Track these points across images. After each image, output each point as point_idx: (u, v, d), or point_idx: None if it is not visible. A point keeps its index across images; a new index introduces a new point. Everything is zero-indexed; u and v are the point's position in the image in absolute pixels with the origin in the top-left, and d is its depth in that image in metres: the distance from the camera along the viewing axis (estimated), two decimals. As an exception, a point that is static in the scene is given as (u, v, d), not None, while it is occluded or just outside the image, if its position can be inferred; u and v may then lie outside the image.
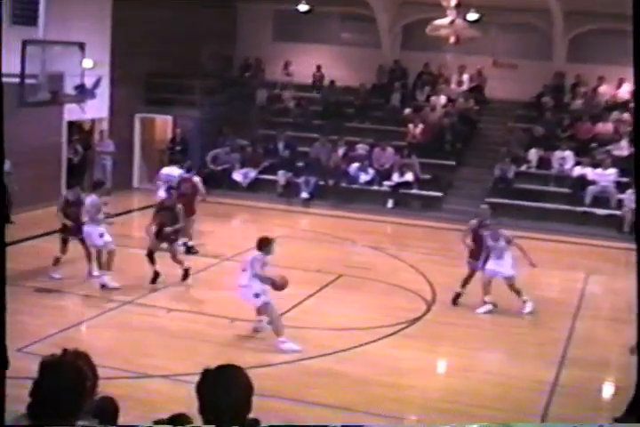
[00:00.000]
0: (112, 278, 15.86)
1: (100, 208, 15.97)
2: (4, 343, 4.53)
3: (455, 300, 15.97)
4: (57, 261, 16.19)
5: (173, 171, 19.95)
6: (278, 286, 13.15)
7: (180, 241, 18.26)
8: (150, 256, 16.21)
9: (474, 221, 16.00)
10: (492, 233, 15.36)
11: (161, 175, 19.79)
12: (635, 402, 9.99)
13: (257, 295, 13.18)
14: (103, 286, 15.72)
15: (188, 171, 19.76)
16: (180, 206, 16.66)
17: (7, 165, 19.63)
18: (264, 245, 13.25)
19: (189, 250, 18.75)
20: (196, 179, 19.53)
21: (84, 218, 15.93)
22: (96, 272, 16.23)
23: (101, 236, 16.01)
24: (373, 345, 13.64)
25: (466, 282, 15.89)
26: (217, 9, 29.60)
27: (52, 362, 4.11)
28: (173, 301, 15.34)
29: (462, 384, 12.20)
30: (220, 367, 4.22)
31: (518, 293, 15.43)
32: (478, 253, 15.64)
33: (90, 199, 15.96)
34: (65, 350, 4.18)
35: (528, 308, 15.48)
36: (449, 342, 14.11)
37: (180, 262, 16.39)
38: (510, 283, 15.39)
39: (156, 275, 16.14)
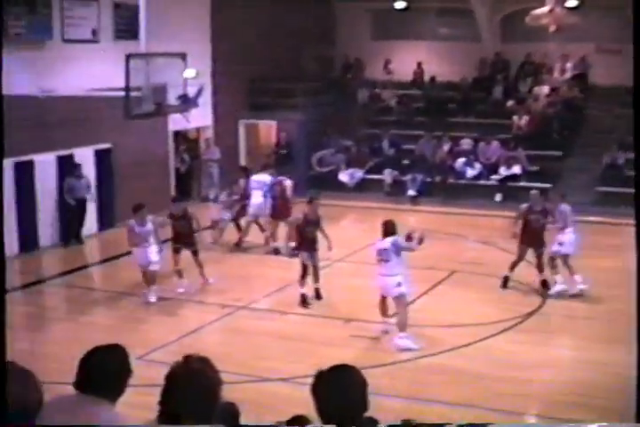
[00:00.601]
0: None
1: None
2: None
3: (504, 284, 16.45)
4: (180, 274, 16.34)
5: (264, 177, 20.05)
6: (421, 239, 13.53)
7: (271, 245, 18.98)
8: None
9: (524, 206, 16.46)
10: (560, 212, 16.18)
11: (252, 182, 19.87)
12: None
13: (399, 284, 13.23)
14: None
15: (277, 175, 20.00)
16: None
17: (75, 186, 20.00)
18: (393, 228, 13.54)
19: (276, 252, 19.10)
20: (288, 182, 19.72)
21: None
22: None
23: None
24: (490, 340, 13.51)
25: (514, 265, 16.38)
26: (315, 10, 29.74)
27: (182, 371, 4.15)
28: (287, 304, 15.41)
29: (581, 376, 12.00)
30: (334, 368, 4.22)
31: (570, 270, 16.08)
32: (528, 238, 16.13)
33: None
34: (188, 357, 4.22)
35: (557, 287, 15.92)
36: (566, 335, 13.92)
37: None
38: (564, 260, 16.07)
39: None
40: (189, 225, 16.28)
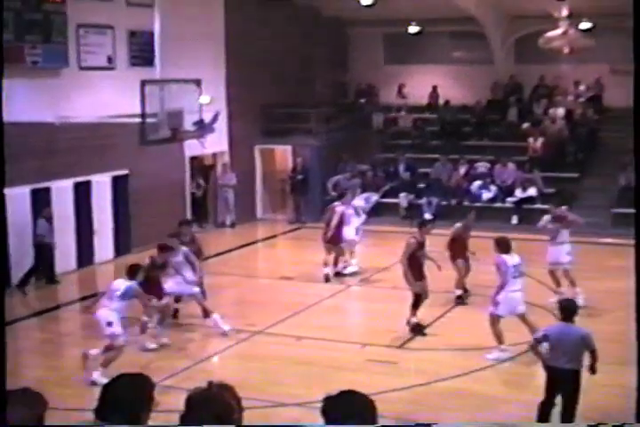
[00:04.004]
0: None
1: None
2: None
3: (457, 302, 16.81)
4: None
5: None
6: None
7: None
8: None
9: (458, 225, 17.23)
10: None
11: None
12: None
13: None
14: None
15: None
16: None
17: (43, 227, 18.68)
18: (508, 244, 13.89)
19: (337, 274, 19.19)
20: (339, 209, 19.23)
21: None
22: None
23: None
24: (508, 363, 13.46)
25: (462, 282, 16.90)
26: (328, 36, 29.91)
27: (201, 396, 4.16)
28: (302, 328, 15.38)
29: (596, 399, 11.92)
30: (342, 393, 4.23)
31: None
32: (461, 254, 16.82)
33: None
34: (210, 383, 4.23)
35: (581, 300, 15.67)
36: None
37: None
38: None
39: None
40: (196, 252, 15.99)
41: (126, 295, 13.04)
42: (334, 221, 18.91)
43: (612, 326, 14.96)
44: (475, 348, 14.16)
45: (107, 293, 13.41)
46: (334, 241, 18.91)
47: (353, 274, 19.28)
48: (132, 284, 13.10)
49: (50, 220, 18.72)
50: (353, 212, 19.73)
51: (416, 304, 15.01)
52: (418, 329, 14.95)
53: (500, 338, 13.70)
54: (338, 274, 19.13)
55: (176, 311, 15.85)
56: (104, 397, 4.47)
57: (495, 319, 13.75)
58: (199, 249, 16.12)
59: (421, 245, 15.26)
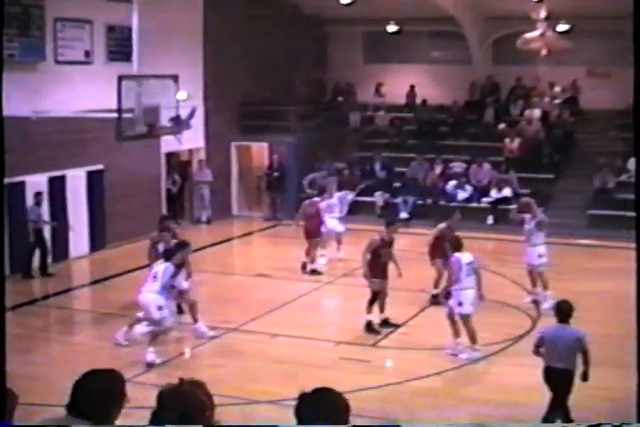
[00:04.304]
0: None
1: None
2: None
3: (432, 301, 16.58)
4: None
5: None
6: None
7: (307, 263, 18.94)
8: None
9: (442, 225, 16.97)
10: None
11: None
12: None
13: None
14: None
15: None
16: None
17: (34, 212, 19.27)
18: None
19: (313, 272, 19.23)
20: (322, 205, 19.93)
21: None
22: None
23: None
24: (480, 363, 13.50)
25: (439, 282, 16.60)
26: (307, 34, 29.89)
27: (172, 392, 4.15)
28: (277, 326, 15.37)
29: (574, 401, 11.97)
30: (316, 391, 4.23)
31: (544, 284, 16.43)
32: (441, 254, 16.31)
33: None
34: (182, 380, 4.22)
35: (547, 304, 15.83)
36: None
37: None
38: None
39: None
40: None
41: (166, 277, 13.44)
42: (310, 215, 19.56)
43: (589, 328, 14.97)
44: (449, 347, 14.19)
45: (148, 277, 13.81)
46: (309, 235, 19.28)
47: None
48: (169, 265, 13.53)
49: (39, 204, 19.16)
50: (337, 202, 20.52)
51: (372, 302, 15.06)
52: (371, 328, 14.97)
53: (474, 338, 13.73)
54: (313, 271, 19.19)
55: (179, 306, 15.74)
56: (75, 392, 4.45)
57: (467, 319, 13.77)
58: None
59: (388, 244, 15.23)
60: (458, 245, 14.13)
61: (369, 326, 14.94)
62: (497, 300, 16.71)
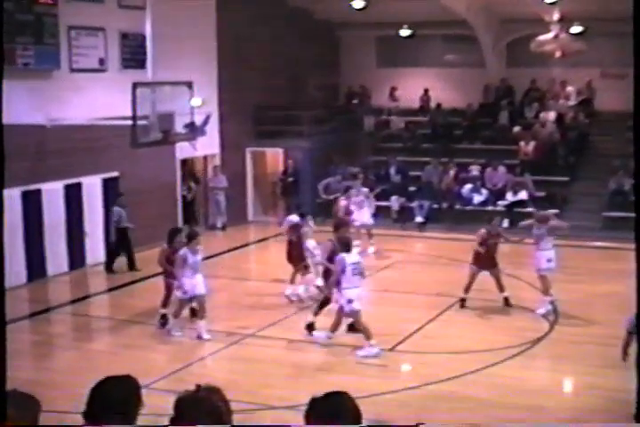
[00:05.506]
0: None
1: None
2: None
3: (462, 305, 16.70)
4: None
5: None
6: None
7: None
8: None
9: (482, 231, 16.86)
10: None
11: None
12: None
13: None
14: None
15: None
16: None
17: (118, 213, 20.23)
18: None
19: None
20: (343, 202, 21.47)
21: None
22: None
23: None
24: (498, 367, 13.44)
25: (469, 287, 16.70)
26: (320, 39, 29.94)
27: (189, 399, 4.14)
28: (293, 331, 15.35)
29: (590, 403, 11.94)
30: (327, 395, 4.22)
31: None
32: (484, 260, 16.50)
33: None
34: (198, 386, 4.21)
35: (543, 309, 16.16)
36: (574, 361, 13.81)
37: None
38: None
39: None
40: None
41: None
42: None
43: (603, 330, 14.99)
44: (466, 351, 14.17)
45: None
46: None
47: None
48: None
49: (123, 206, 20.26)
50: (363, 198, 21.85)
51: (322, 306, 15.13)
52: (311, 328, 14.98)
53: (368, 334, 14.01)
54: None
55: (193, 310, 15.77)
56: (92, 400, 4.46)
57: (356, 316, 14.15)
58: None
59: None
60: (346, 246, 14.35)
61: (310, 327, 15.01)
62: (515, 303, 16.69)
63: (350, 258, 14.12)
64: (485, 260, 16.54)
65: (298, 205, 21.13)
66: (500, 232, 16.91)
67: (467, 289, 16.66)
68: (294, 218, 18.51)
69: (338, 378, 12.71)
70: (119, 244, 20.43)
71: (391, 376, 13.29)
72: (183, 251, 14.92)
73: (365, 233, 22.00)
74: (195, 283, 14.90)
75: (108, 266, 20.46)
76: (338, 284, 14.04)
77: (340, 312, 14.19)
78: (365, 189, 22.48)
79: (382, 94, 30.69)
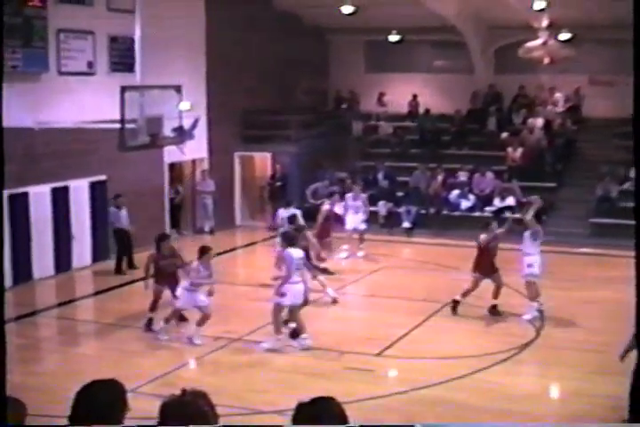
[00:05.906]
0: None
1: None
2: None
3: (454, 308, 16.61)
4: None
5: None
6: None
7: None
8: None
9: (483, 237, 16.66)
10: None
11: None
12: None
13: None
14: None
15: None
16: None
17: (114, 215, 20.65)
18: None
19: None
20: (325, 207, 21.16)
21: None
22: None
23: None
24: (485, 372, 13.45)
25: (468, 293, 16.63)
26: (309, 43, 29.95)
27: (175, 403, 4.13)
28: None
29: (577, 409, 11.95)
30: (314, 400, 4.22)
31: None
32: (486, 266, 16.45)
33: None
34: (184, 390, 4.20)
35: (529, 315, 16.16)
36: (561, 367, 13.83)
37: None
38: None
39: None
40: (175, 264, 15.94)
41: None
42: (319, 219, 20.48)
43: (590, 336, 15.04)
44: (453, 356, 14.17)
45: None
46: (320, 236, 19.44)
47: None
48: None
49: (120, 208, 20.59)
50: (361, 203, 22.40)
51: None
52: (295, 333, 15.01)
53: (278, 328, 14.47)
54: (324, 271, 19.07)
55: (182, 315, 15.85)
56: (77, 403, 4.44)
57: (278, 309, 14.54)
58: (183, 261, 16.05)
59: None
60: (290, 241, 14.82)
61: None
62: (502, 309, 16.69)
63: (295, 253, 14.49)
64: (487, 266, 16.47)
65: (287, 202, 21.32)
66: (497, 235, 16.79)
67: (465, 294, 16.59)
68: (283, 213, 19.23)
69: (325, 383, 12.70)
70: (118, 245, 20.65)
71: (378, 381, 13.28)
72: (195, 264, 15.01)
73: (357, 238, 22.21)
74: (199, 295, 15.00)
75: (117, 267, 20.55)
76: (287, 279, 14.37)
77: (277, 308, 14.62)
78: (364, 195, 22.84)
79: (371, 99, 30.74)
